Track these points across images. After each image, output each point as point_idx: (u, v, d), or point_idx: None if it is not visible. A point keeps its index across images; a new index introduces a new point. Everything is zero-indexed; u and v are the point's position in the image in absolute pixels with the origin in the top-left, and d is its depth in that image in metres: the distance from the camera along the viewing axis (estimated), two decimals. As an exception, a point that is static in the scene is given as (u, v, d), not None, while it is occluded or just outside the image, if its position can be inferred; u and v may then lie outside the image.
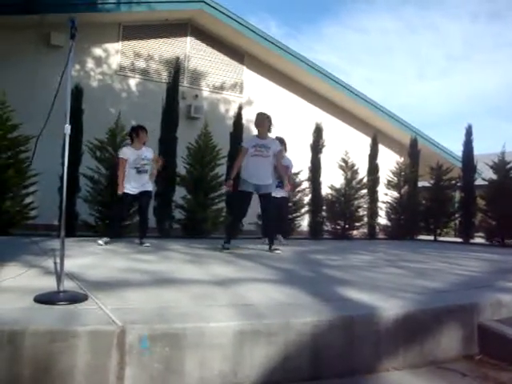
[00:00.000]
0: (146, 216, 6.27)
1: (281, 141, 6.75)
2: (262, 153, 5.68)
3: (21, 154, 7.04)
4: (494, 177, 10.25)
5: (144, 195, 6.11)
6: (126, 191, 5.98)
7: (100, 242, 5.75)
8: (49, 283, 2.60)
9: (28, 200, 7.17)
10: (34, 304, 2.15)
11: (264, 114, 5.88)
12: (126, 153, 6.04)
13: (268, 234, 6.08)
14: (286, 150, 7.08)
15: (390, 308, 2.38)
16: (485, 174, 10.67)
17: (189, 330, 1.89)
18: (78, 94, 7.53)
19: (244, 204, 5.70)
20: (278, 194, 6.52)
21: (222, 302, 2.39)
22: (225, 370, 1.90)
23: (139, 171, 6.02)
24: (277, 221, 6.29)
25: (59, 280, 2.37)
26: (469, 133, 10.83)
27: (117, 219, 6.45)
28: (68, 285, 2.50)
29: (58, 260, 2.91)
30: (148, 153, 6.16)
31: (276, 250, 5.63)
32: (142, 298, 2.46)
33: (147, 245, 5.85)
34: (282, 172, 6.09)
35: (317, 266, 4.49)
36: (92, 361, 1.76)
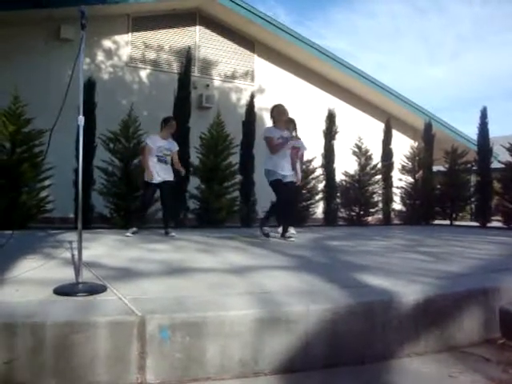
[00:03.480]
0: (168, 206, 6.38)
1: (291, 121, 6.63)
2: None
3: (35, 148, 7.09)
4: (511, 159, 10.08)
5: (165, 185, 6.19)
6: (150, 181, 6.08)
7: (128, 233, 5.87)
8: (67, 275, 2.61)
9: (44, 193, 7.23)
10: (53, 296, 2.17)
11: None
12: (152, 140, 6.19)
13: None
14: (295, 129, 6.87)
15: (409, 293, 2.35)
16: (501, 157, 10.51)
17: (209, 318, 1.88)
18: (90, 87, 7.54)
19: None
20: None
21: (240, 290, 2.39)
22: (245, 358, 1.90)
23: (160, 160, 6.13)
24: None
25: (78, 271, 2.38)
26: (484, 115, 10.66)
27: (142, 208, 6.53)
28: (86, 276, 2.51)
29: (75, 252, 2.93)
30: (172, 145, 6.31)
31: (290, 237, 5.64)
32: (161, 287, 2.47)
33: (173, 234, 5.98)
34: None
35: (333, 253, 4.47)
36: (113, 351, 1.77)
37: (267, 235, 5.65)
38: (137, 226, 6.13)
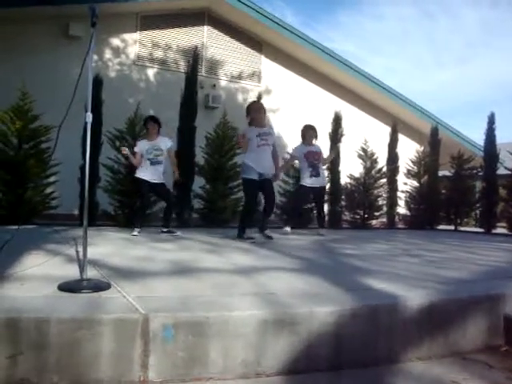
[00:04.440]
0: (168, 204, 6.41)
1: (312, 129, 6.83)
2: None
3: (41, 145, 7.12)
4: (517, 165, 10.02)
5: (159, 186, 6.23)
6: (142, 177, 6.10)
7: (135, 233, 5.84)
8: (72, 272, 2.62)
9: (49, 190, 7.25)
10: (58, 292, 2.17)
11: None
12: (139, 145, 6.23)
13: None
14: (316, 137, 7.08)
15: (413, 297, 2.35)
16: (507, 163, 10.45)
17: (212, 318, 1.88)
18: (97, 84, 7.54)
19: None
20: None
21: (244, 291, 2.38)
22: (248, 359, 1.89)
23: (152, 162, 6.13)
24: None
25: (82, 268, 2.39)
26: (491, 121, 10.58)
27: (140, 207, 6.52)
28: (91, 273, 2.52)
29: (80, 249, 2.93)
30: (162, 143, 6.23)
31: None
32: (165, 286, 2.47)
33: (177, 234, 6.02)
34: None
35: (337, 256, 4.46)
36: (116, 349, 1.77)
37: (250, 238, 5.50)
38: (140, 225, 6.11)
